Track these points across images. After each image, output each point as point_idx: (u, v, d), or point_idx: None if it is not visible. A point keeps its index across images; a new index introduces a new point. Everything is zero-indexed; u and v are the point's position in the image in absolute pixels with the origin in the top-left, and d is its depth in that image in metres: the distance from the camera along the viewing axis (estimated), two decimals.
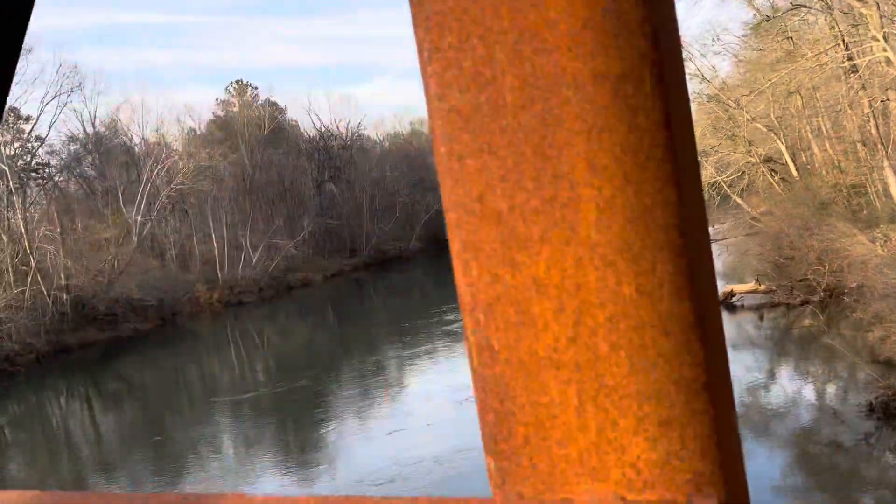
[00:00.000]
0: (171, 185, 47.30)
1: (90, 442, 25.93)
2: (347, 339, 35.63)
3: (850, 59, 26.08)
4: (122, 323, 42.51)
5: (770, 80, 30.49)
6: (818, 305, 22.65)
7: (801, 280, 25.28)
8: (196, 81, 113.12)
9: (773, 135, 41.25)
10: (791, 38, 32.00)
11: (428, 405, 20.11)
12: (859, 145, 32.67)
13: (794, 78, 27.70)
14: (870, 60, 25.97)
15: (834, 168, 38.12)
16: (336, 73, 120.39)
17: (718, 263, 37.70)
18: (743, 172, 42.87)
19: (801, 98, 35.57)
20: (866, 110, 26.44)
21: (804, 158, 40.55)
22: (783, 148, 41.12)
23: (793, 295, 24.69)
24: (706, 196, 46.53)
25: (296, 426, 20.82)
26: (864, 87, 26.11)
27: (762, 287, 25.63)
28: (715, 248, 41.90)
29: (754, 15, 43.15)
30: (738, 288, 26.31)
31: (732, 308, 26.22)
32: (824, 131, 38.59)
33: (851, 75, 26.25)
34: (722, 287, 27.86)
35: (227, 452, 19.70)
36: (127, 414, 28.80)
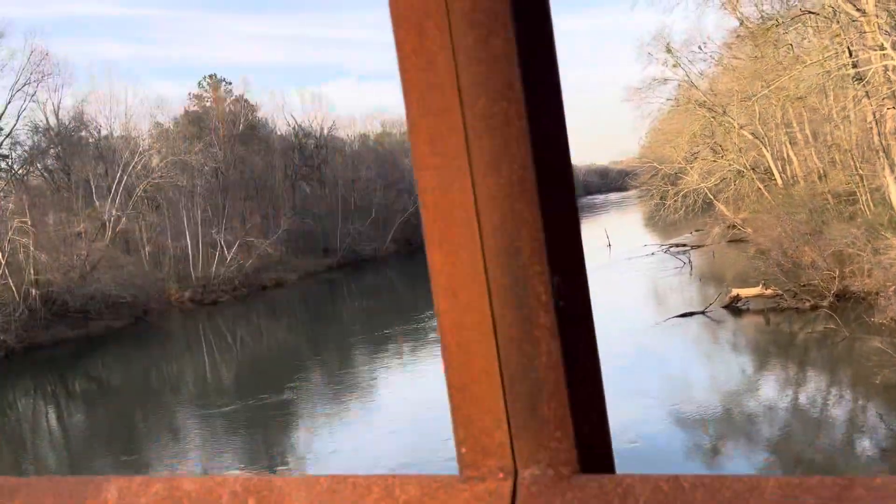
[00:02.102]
0: (148, 180, 45.76)
1: (55, 443, 24.99)
2: (320, 342, 35.16)
3: (854, 66, 26.35)
4: (94, 320, 40.97)
5: (769, 86, 30.72)
6: (831, 309, 22.69)
7: (804, 285, 25.39)
8: (162, 76, 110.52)
9: (758, 142, 41.73)
10: (791, 45, 32.34)
11: (399, 408, 20.06)
12: (850, 154, 33.15)
13: (799, 83, 27.90)
14: (875, 69, 26.29)
15: (820, 177, 38.71)
16: (300, 72, 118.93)
17: (712, 268, 37.95)
18: (728, 180, 43.34)
19: (788, 107, 36.00)
20: (869, 118, 26.74)
21: (793, 166, 41.11)
22: (769, 156, 41.62)
23: (801, 299, 24.74)
24: (692, 202, 47.08)
25: (266, 430, 20.31)
26: (867, 96, 26.41)
27: (769, 291, 25.65)
28: (704, 253, 42.30)
29: (741, 23, 43.70)
30: (743, 292, 26.31)
31: (738, 312, 26.22)
32: (810, 140, 39.19)
33: (856, 83, 26.52)
34: (724, 291, 27.92)
35: (195, 456, 19.02)
36: (95, 415, 27.83)
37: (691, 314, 26.29)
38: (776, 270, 27.06)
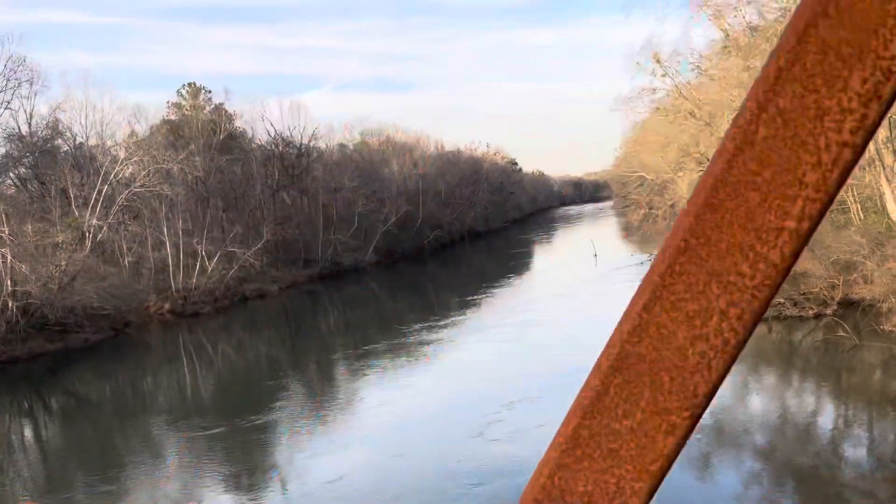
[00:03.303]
0: (130, 189, 44.69)
1: (31, 463, 24.11)
2: (303, 357, 34.68)
3: None
4: (72, 333, 39.79)
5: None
6: (835, 317, 22.67)
7: (804, 293, 25.39)
8: (137, 86, 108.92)
9: None
10: None
11: (381, 422, 19.75)
12: None
13: None
14: None
15: None
16: (276, 83, 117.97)
17: None
18: None
19: None
20: None
21: None
22: None
23: (803, 307, 24.71)
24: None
25: (247, 452, 19.73)
26: None
27: None
28: None
29: (726, 34, 44.05)
30: None
31: None
32: None
33: None
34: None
35: (173, 479, 18.38)
36: (72, 433, 26.97)
37: None
38: None
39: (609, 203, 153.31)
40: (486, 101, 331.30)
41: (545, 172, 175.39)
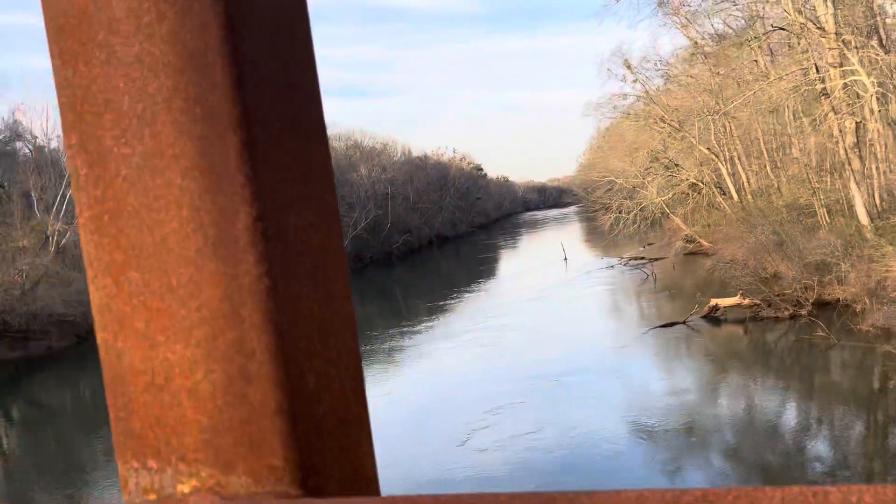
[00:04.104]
0: None
1: None
2: None
3: (822, 81, 27.09)
4: (35, 340, 38.71)
5: (733, 102, 31.37)
6: (811, 317, 23.04)
7: (778, 295, 25.79)
8: None
9: (713, 157, 42.65)
10: (756, 61, 33.16)
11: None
12: (808, 168, 34.12)
13: (771, 98, 28.53)
14: (834, 85, 27.09)
15: (766, 191, 39.77)
16: None
17: (675, 280, 38.37)
18: (686, 194, 44.12)
19: (752, 123, 36.89)
20: (836, 133, 27.50)
21: (745, 181, 42.12)
22: (724, 170, 42.55)
23: (779, 308, 25.08)
24: (651, 216, 47.74)
25: None
26: (833, 111, 27.16)
27: (746, 301, 25.94)
28: (663, 266, 42.82)
29: (695, 43, 44.77)
30: (722, 302, 26.54)
31: (717, 322, 26.42)
32: (765, 155, 40.25)
33: (823, 98, 27.25)
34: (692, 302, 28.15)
35: None
36: (34, 441, 26.23)
37: (672, 324, 26.37)
38: (750, 280, 27.42)
39: (573, 208, 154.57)
40: (450, 108, 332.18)
41: (510, 178, 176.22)
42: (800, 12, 27.21)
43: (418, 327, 35.68)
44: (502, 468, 15.29)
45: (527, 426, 17.30)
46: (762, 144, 39.57)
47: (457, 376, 23.73)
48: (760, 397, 18.67)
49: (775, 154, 39.21)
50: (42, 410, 33.07)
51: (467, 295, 46.00)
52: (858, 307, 22.58)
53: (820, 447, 15.53)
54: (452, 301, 43.43)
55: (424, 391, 22.64)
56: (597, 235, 67.29)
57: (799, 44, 27.60)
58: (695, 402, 18.32)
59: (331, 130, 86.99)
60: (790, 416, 17.35)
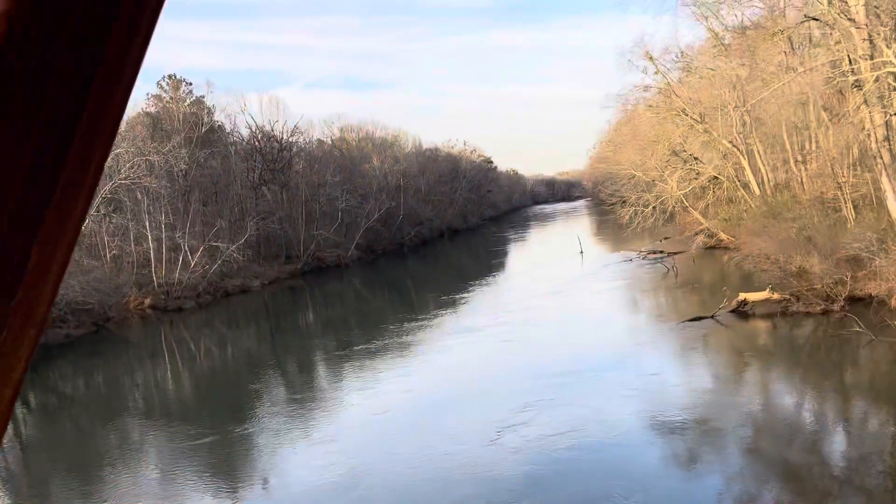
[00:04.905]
0: (114, 181, 43.57)
1: (9, 464, 23.33)
2: (284, 354, 34.15)
3: (854, 73, 26.72)
4: (54, 328, 38.72)
5: (762, 93, 31.02)
6: (847, 313, 22.74)
7: (809, 289, 25.49)
8: None
9: (735, 151, 42.27)
10: (785, 53, 32.79)
11: (356, 420, 19.61)
12: (833, 162, 33.77)
13: (795, 89, 28.16)
14: (866, 77, 26.72)
15: (798, 184, 39.39)
16: (245, 78, 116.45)
17: (697, 274, 38.10)
18: (706, 188, 43.81)
19: (777, 118, 36.54)
20: (868, 126, 27.14)
21: (768, 175, 41.75)
22: (745, 164, 42.17)
23: (810, 303, 24.79)
24: (670, 209, 47.40)
25: (230, 455, 19.16)
26: (865, 103, 26.80)
27: (776, 296, 25.66)
28: (683, 259, 42.47)
29: (716, 34, 44.33)
30: (751, 296, 26.27)
31: (746, 316, 26.16)
32: (788, 149, 39.88)
33: (855, 90, 26.89)
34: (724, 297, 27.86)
35: (154, 482, 17.78)
36: (52, 430, 26.19)
37: (700, 318, 26.11)
38: (779, 275, 27.12)
39: (582, 202, 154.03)
40: (457, 101, 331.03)
41: (519, 171, 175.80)
42: (831, 3, 26.84)
43: (438, 321, 35.48)
44: (538, 468, 15.03)
45: (561, 425, 17.00)
46: (785, 138, 39.20)
47: (483, 372, 23.47)
48: (805, 395, 18.43)
49: (797, 148, 38.83)
50: (60, 397, 33.06)
51: (485, 288, 45.77)
52: (894, 302, 22.30)
53: (869, 445, 15.29)
54: (470, 294, 43.22)
55: (452, 387, 22.40)
56: (609, 229, 66.90)
57: (831, 34, 27.21)
58: (736, 401, 18.06)
59: (343, 121, 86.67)
60: (837, 413, 17.10)
